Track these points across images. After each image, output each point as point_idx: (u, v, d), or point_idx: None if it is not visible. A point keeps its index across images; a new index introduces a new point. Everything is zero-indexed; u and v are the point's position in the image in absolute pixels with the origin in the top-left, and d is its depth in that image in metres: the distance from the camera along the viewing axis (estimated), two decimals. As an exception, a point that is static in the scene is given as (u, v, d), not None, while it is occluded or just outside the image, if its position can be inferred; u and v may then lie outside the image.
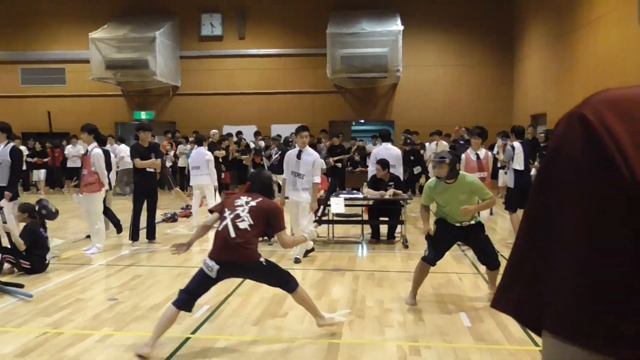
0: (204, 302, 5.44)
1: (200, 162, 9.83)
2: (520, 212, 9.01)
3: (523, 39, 16.63)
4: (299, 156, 7.12)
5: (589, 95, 0.67)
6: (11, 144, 7.27)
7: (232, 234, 4.14)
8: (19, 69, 18.28)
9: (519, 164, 8.50)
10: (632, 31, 9.90)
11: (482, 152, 7.75)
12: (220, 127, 17.30)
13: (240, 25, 18.09)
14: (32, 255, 6.41)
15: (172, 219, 10.96)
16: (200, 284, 4.21)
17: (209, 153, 10.11)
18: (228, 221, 4.20)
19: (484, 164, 7.65)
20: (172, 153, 16.10)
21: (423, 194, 5.71)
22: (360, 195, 8.73)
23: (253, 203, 4.29)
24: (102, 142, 9.35)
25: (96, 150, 7.50)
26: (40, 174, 16.03)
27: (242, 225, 4.18)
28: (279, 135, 16.76)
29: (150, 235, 8.38)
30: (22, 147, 16.04)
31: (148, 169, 8.07)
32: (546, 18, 14.57)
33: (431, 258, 5.37)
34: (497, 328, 4.83)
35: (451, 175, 5.25)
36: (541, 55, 14.95)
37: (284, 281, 4.38)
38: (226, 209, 4.28)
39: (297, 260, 7.29)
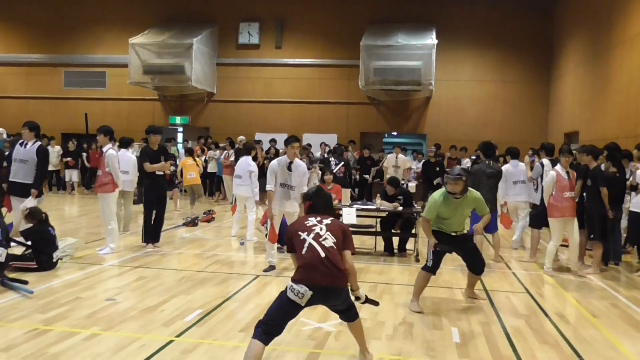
0: (198, 306, 5.52)
1: (243, 171, 9.42)
2: (544, 230, 8.73)
3: (560, 57, 16.17)
4: (289, 167, 7.05)
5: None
6: (38, 143, 7.52)
7: (323, 254, 3.74)
8: (62, 72, 19.06)
9: None
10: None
11: (571, 171, 7.52)
12: (253, 134, 17.53)
13: (278, 35, 18.31)
14: (40, 254, 6.61)
15: (193, 222, 11.11)
16: (284, 314, 3.74)
17: (254, 165, 9.50)
18: (310, 241, 3.80)
19: (573, 183, 7.45)
20: (202, 158, 16.40)
21: (427, 208, 5.68)
22: (373, 207, 8.64)
23: (327, 221, 3.95)
24: (124, 144, 9.63)
25: (110, 151, 7.69)
26: (73, 174, 16.57)
27: (328, 243, 3.80)
28: (309, 145, 16.88)
29: (155, 238, 8.49)
30: (57, 147, 16.73)
31: (158, 172, 8.21)
32: (583, 36, 14.14)
33: (433, 267, 5.71)
34: (486, 345, 4.70)
35: (463, 192, 5.56)
36: (577, 74, 14.50)
37: (353, 307, 4.06)
38: (299, 233, 3.88)
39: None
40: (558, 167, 7.53)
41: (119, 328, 4.81)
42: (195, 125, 18.76)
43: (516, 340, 4.85)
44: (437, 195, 5.69)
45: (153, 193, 8.26)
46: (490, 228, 8.30)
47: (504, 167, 9.06)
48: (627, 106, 10.93)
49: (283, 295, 3.77)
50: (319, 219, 3.98)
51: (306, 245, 3.80)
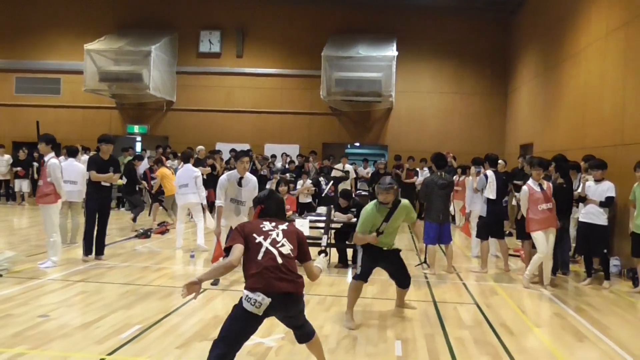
0: (137, 322, 5.32)
1: (188, 179, 9.61)
2: (492, 241, 8.83)
3: (516, 70, 16.54)
4: (239, 183, 6.95)
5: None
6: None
7: (280, 260, 3.54)
8: (14, 78, 18.41)
9: (492, 192, 8.40)
10: (608, 64, 9.78)
11: (545, 183, 7.53)
12: (214, 144, 17.29)
13: (239, 43, 18.17)
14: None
15: (145, 235, 10.83)
16: (241, 328, 3.48)
17: (197, 170, 9.98)
18: (267, 246, 3.58)
19: (548, 195, 7.43)
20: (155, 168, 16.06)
21: (361, 223, 5.61)
22: (324, 218, 8.56)
23: (283, 227, 3.74)
24: (72, 154, 9.34)
25: (52, 161, 7.40)
26: (23, 185, 15.95)
27: (285, 250, 3.61)
28: (274, 156, 16.77)
29: (99, 251, 8.22)
30: (7, 156, 16.13)
31: (103, 183, 7.97)
32: (537, 49, 14.49)
33: (363, 275, 5.69)
34: (427, 357, 4.70)
35: (395, 201, 5.54)
36: (531, 86, 14.85)
37: (308, 322, 3.89)
38: (254, 235, 3.63)
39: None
40: (530, 181, 7.57)
41: (48, 347, 4.57)
42: (154, 134, 18.39)
43: (457, 352, 4.83)
44: (369, 207, 5.64)
45: (95, 203, 8.00)
46: (444, 238, 8.36)
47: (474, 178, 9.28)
48: (576, 119, 11.22)
49: (238, 307, 3.51)
50: (274, 224, 3.75)
51: (262, 250, 3.56)
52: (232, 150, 16.14)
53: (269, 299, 3.44)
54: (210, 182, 13.11)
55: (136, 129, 18.35)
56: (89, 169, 7.98)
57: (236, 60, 18.24)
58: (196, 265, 8.46)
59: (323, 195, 13.10)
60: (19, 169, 15.84)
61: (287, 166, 15.91)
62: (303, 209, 12.41)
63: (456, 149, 16.33)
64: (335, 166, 14.97)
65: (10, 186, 16.55)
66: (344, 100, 17.04)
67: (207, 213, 10.04)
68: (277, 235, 3.67)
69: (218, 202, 6.93)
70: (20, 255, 7.70)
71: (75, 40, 17.44)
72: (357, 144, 19.34)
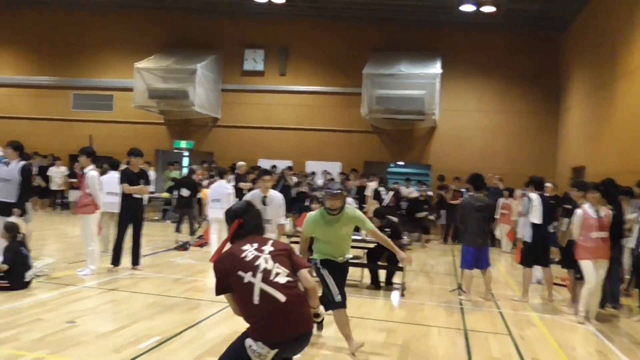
0: (157, 333, 5.36)
1: (222, 195, 9.61)
2: (536, 269, 8.39)
3: (567, 88, 15.98)
4: (264, 202, 6.85)
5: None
6: (22, 162, 7.52)
7: (282, 298, 3.05)
8: (71, 95, 19.36)
9: (536, 217, 7.94)
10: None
11: (603, 209, 6.96)
12: (256, 160, 17.49)
13: (282, 62, 18.45)
14: (11, 273, 6.54)
15: (184, 247, 11.01)
16: None
17: (230, 186, 9.90)
18: (261, 287, 3.06)
19: (604, 223, 6.83)
20: (205, 182, 16.37)
21: (304, 224, 5.41)
22: (359, 237, 8.43)
23: (268, 248, 3.23)
24: (114, 167, 9.63)
25: (91, 173, 7.66)
26: (77, 195, 16.61)
27: (282, 279, 3.11)
28: (314, 173, 16.82)
29: (134, 261, 8.39)
30: (63, 168, 16.86)
31: (135, 195, 8.16)
32: (588, 67, 13.97)
33: (343, 301, 5.15)
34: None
35: (341, 208, 5.17)
36: (583, 106, 14.27)
37: None
38: (239, 275, 3.10)
39: None
40: (587, 205, 6.97)
41: (66, 353, 4.66)
42: (200, 150, 18.82)
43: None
44: (314, 213, 5.45)
45: (128, 214, 8.20)
46: (482, 263, 8.00)
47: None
48: (629, 141, 10.66)
49: (238, 347, 3.07)
50: (256, 245, 3.22)
51: (256, 292, 3.03)
52: (273, 166, 16.26)
53: (275, 350, 3.02)
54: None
55: (183, 144, 18.84)
56: (121, 182, 8.22)
57: (279, 78, 18.50)
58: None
59: (384, 205, 12.92)
60: (74, 180, 16.50)
61: (327, 183, 15.86)
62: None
63: (502, 170, 15.87)
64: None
65: (65, 196, 17.27)
66: (385, 118, 16.92)
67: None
68: (266, 262, 3.14)
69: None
70: (58, 262, 7.96)
71: (126, 59, 18.17)
72: (401, 163, 19.11)
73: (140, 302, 6.57)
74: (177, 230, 12.02)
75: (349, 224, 5.30)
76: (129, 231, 8.38)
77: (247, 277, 3.07)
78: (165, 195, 15.85)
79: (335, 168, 17.44)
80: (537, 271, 8.82)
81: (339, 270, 5.27)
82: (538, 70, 17.08)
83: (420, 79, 16.01)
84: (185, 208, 12.49)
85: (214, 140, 18.77)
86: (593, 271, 6.79)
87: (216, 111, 18.47)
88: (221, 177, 10.12)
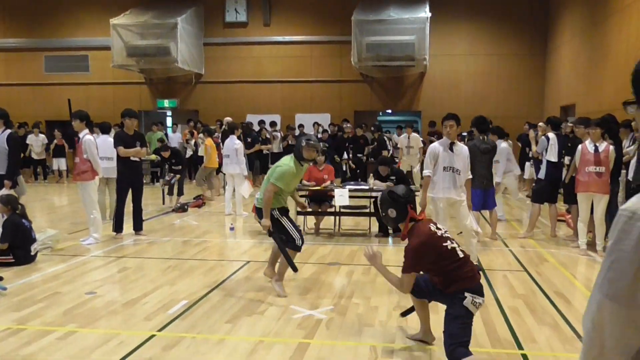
0: (183, 297, 5.23)
1: (230, 150, 9.98)
2: (545, 206, 8.46)
3: (557, 28, 15.75)
4: (450, 149, 6.19)
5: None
6: (8, 131, 7.10)
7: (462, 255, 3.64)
8: (43, 57, 18.44)
9: (553, 155, 8.08)
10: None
11: (603, 144, 7.00)
12: (244, 115, 17.11)
13: (266, 12, 17.77)
14: (15, 248, 6.28)
15: (182, 209, 10.80)
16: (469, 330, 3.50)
17: (238, 142, 10.13)
18: (454, 245, 3.64)
19: (602, 158, 6.92)
20: (192, 142, 16.01)
21: (281, 176, 5.16)
22: (366, 187, 8.33)
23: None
24: (105, 130, 9.25)
25: (87, 137, 7.31)
26: (60, 163, 16.09)
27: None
28: (302, 126, 16.51)
29: (137, 227, 8.17)
30: (41, 136, 16.23)
31: (132, 158, 7.85)
32: (580, 5, 13.70)
33: (302, 245, 5.32)
34: (483, 327, 4.48)
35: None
36: (573, 45, 14.11)
37: None
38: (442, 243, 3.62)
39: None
40: (587, 141, 7.10)
41: (97, 324, 4.51)
42: (184, 108, 18.31)
43: (514, 322, 4.60)
44: (289, 161, 5.23)
45: (127, 179, 7.89)
46: (489, 204, 8.05)
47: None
48: (625, 76, 10.47)
49: (460, 308, 3.45)
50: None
51: (459, 250, 3.60)
52: (261, 121, 15.88)
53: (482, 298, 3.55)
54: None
55: (166, 103, 18.29)
56: (116, 145, 7.80)
57: (263, 29, 17.87)
58: (236, 237, 8.36)
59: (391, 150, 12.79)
60: (56, 143, 15.89)
61: (319, 136, 15.63)
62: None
63: (493, 113, 15.74)
64: (401, 137, 14.40)
65: (47, 165, 16.73)
66: (375, 66, 16.56)
67: (247, 182, 10.02)
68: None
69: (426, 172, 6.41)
70: (61, 233, 7.70)
71: (100, 15, 17.30)
72: (390, 111, 18.90)
73: (156, 268, 6.41)
74: (170, 193, 11.76)
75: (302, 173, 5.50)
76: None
77: (441, 232, 3.66)
78: (153, 157, 15.45)
79: (325, 120, 17.15)
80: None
81: (287, 215, 5.39)
82: (530, 11, 16.75)
83: (410, 23, 15.60)
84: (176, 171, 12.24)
85: (198, 98, 18.25)
86: (585, 206, 7.04)
87: (199, 67, 17.86)
88: (232, 133, 10.31)
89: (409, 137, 13.91)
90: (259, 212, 5.30)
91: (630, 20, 10.46)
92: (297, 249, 5.30)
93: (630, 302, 1.19)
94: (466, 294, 3.46)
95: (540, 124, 10.83)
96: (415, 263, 3.59)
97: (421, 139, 14.66)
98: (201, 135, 14.37)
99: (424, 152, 13.91)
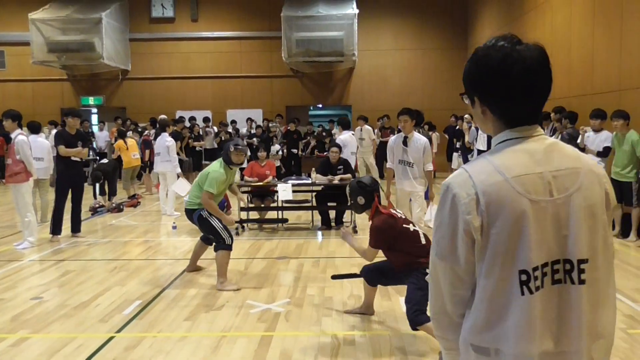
0: (136, 298, 5.20)
1: (161, 148, 9.90)
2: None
3: (477, 23, 16.64)
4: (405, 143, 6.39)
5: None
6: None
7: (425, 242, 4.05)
8: (-46, 52, 17.25)
9: (482, 144, 8.60)
10: (576, 12, 9.91)
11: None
12: (174, 112, 16.77)
13: (193, 7, 17.48)
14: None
15: (118, 209, 10.52)
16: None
17: (170, 139, 10.00)
18: (416, 229, 4.13)
19: None
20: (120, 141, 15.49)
21: (214, 181, 5.37)
22: (309, 181, 8.52)
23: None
24: (34, 129, 8.84)
25: (20, 138, 7.01)
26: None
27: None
28: (234, 122, 16.42)
29: (75, 228, 7.95)
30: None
31: (73, 158, 7.62)
32: (497, 2, 14.56)
33: (232, 243, 5.51)
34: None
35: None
36: (493, 39, 14.95)
37: None
38: (404, 226, 4.10)
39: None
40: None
41: (50, 329, 4.41)
42: (110, 106, 17.67)
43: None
44: (218, 167, 5.47)
45: (67, 180, 7.64)
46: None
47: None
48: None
49: (424, 283, 3.81)
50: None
51: (422, 235, 4.06)
52: (192, 117, 15.66)
53: None
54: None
55: (91, 100, 17.57)
56: (56, 144, 7.56)
57: (191, 24, 17.57)
58: (179, 236, 8.30)
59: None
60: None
61: (253, 131, 15.65)
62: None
63: (421, 105, 16.38)
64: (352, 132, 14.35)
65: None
66: (305, 62, 16.75)
67: (182, 179, 9.80)
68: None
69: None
70: (-6, 238, 7.33)
71: (17, 9, 16.32)
72: (320, 106, 19.19)
73: (101, 269, 6.28)
74: (101, 193, 11.39)
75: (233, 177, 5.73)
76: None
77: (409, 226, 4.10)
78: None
79: (257, 115, 17.17)
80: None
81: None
82: (451, 6, 17.54)
83: (338, 20, 15.94)
84: (105, 171, 11.85)
85: (125, 95, 17.67)
86: None
87: (125, 63, 17.29)
88: (163, 130, 10.15)
89: (361, 130, 13.94)
90: (188, 213, 5.58)
91: (545, 17, 11.29)
92: (228, 247, 5.45)
93: (452, 258, 1.44)
94: (427, 271, 3.75)
95: (466, 115, 11.58)
96: (377, 239, 4.05)
97: (376, 130, 14.80)
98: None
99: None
